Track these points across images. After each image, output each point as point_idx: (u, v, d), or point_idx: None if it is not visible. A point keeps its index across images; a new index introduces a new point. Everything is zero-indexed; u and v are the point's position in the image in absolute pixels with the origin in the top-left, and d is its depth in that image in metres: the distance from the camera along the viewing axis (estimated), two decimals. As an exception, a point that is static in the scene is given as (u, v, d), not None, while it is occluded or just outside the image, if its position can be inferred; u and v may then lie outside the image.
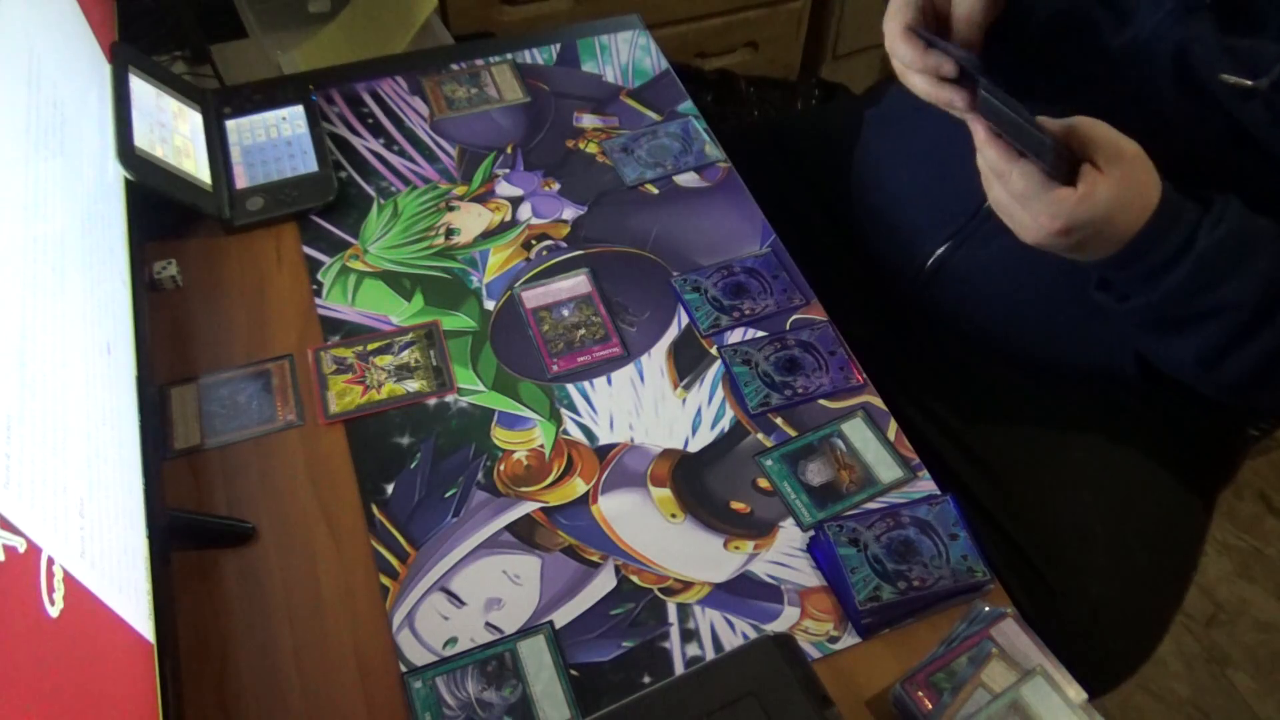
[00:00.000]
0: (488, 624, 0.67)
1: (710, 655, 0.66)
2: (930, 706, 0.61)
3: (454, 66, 1.05)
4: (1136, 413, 0.84)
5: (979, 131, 0.64)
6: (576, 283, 0.86)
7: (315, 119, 0.96)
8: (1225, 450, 0.90)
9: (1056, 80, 0.74)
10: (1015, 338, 0.83)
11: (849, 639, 0.67)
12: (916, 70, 0.68)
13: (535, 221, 0.91)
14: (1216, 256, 0.62)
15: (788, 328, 0.83)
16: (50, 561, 0.46)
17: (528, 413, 0.77)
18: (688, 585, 0.69)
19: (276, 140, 0.94)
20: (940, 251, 0.84)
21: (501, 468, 0.74)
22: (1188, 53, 0.65)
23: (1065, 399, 0.85)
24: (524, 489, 0.73)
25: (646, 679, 0.65)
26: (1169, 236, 0.62)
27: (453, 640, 0.66)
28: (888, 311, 0.91)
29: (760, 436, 0.77)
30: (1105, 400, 0.85)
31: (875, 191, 0.93)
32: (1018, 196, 0.62)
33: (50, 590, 0.45)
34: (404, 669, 0.64)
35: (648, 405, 0.78)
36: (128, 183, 0.80)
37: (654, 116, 1.01)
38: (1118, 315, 0.68)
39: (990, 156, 0.63)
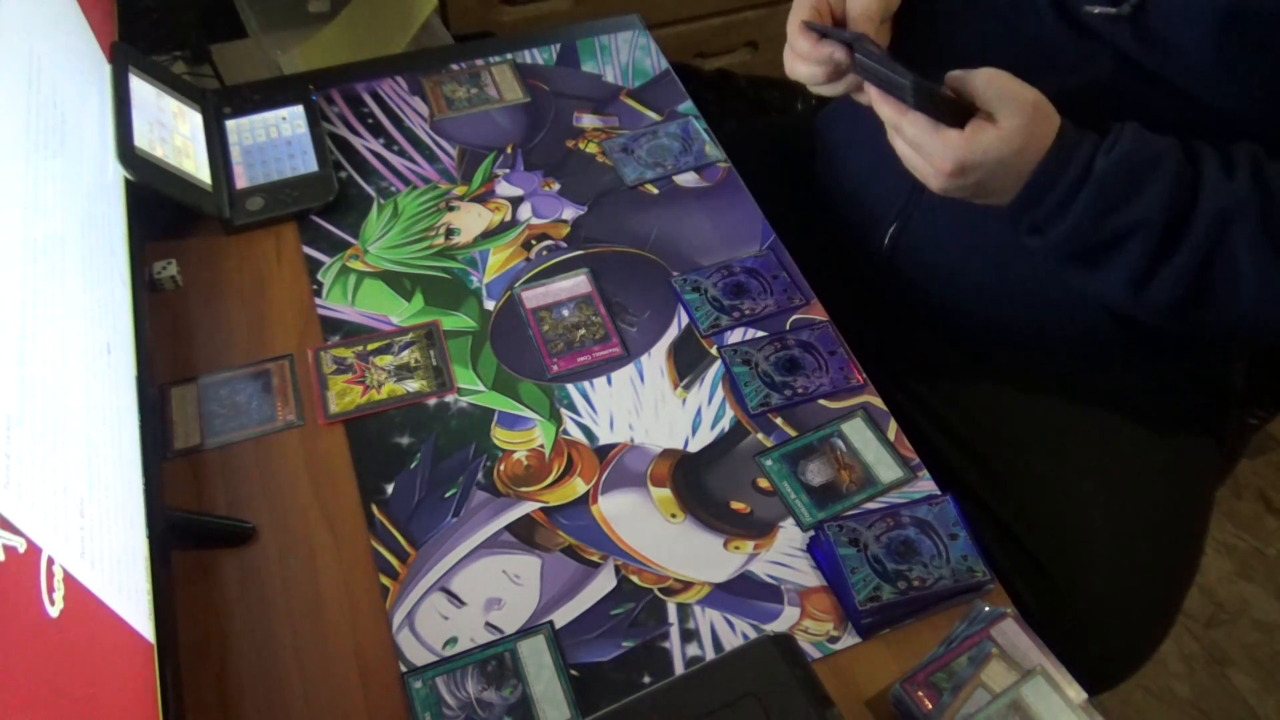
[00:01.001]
0: (488, 624, 0.67)
1: (710, 655, 0.66)
2: (930, 706, 0.61)
3: (454, 66, 1.05)
4: (1134, 400, 0.84)
5: (871, 92, 0.68)
6: (576, 283, 0.86)
7: (315, 119, 0.96)
8: (1224, 437, 0.90)
9: (962, 48, 0.76)
10: (978, 310, 0.84)
11: (849, 639, 0.67)
12: (811, 60, 0.72)
13: (535, 221, 0.91)
14: (1116, 176, 0.64)
15: (788, 328, 0.83)
16: (50, 561, 0.46)
17: (528, 413, 0.77)
18: (688, 585, 0.69)
19: (276, 140, 0.94)
20: (891, 231, 0.86)
21: (501, 468, 0.74)
22: None
23: (1057, 381, 0.85)
24: (524, 489, 0.73)
25: (646, 679, 0.65)
26: (1069, 166, 0.64)
27: (453, 640, 0.66)
28: (869, 301, 0.91)
29: (760, 436, 0.77)
30: (1096, 379, 0.84)
31: (834, 184, 0.95)
32: (912, 144, 0.66)
33: (50, 590, 0.45)
34: (404, 669, 0.64)
35: (648, 405, 0.78)
36: (128, 183, 0.80)
37: (654, 116, 1.01)
38: (1046, 255, 0.69)
39: (884, 112, 0.67)
